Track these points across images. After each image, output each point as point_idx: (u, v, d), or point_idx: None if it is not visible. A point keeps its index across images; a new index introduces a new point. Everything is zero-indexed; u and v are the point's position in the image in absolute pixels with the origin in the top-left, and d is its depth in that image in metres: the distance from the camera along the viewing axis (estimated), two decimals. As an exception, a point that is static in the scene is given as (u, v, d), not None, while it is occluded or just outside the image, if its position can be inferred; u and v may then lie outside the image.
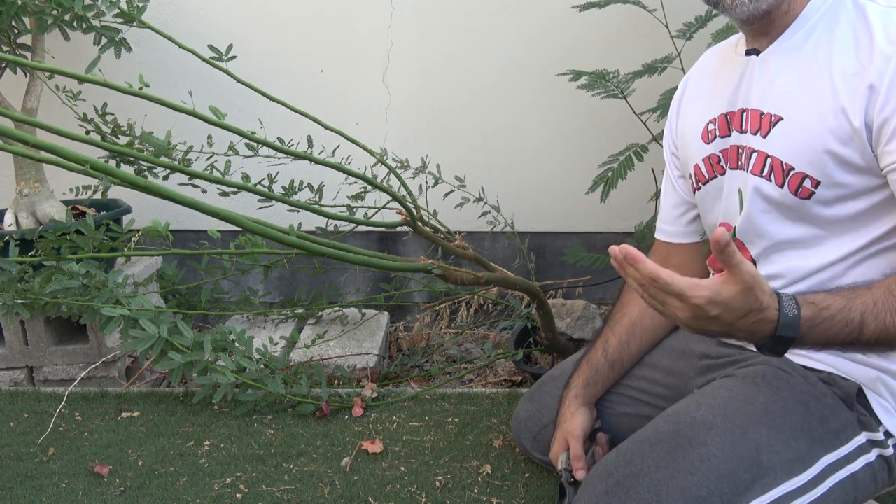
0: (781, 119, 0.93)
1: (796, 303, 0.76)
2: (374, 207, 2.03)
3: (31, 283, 1.71)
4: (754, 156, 0.96)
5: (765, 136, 0.94)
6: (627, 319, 1.21)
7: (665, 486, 0.86)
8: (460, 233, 2.07)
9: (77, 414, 1.80)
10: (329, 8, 2.35)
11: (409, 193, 1.87)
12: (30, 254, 1.74)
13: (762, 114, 0.95)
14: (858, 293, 0.79)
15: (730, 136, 1.02)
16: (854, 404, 0.91)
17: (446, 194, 2.23)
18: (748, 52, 1.00)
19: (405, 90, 2.42)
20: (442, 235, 1.95)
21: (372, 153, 1.84)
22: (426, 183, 2.18)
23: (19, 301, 1.75)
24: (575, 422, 1.15)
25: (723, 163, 1.04)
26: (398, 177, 1.88)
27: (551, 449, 1.21)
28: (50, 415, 1.78)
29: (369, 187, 1.91)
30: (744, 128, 0.99)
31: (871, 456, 0.91)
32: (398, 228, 1.82)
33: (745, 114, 0.99)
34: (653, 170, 2.20)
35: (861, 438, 0.91)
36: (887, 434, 0.91)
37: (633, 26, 2.27)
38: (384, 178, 1.91)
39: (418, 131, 2.45)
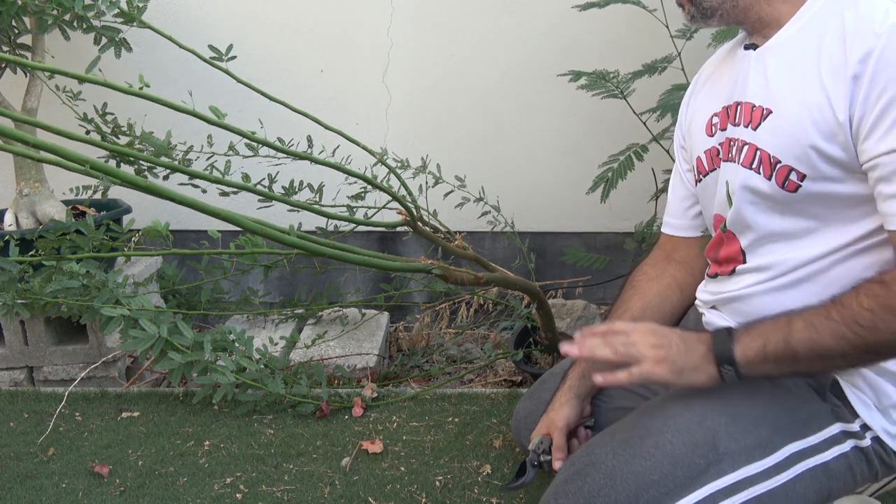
0: (771, 112, 0.93)
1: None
2: (374, 207, 2.03)
3: (31, 283, 1.71)
4: (745, 148, 0.97)
5: (755, 129, 0.95)
6: (629, 315, 1.21)
7: (619, 471, 0.88)
8: (460, 233, 2.07)
9: (77, 414, 1.80)
10: (329, 8, 2.35)
11: (409, 193, 1.87)
12: (30, 254, 1.74)
13: (753, 107, 0.96)
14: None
15: (727, 129, 1.03)
16: (827, 395, 0.92)
17: (446, 194, 2.23)
18: (747, 47, 1.01)
19: (405, 90, 2.42)
20: (442, 235, 1.95)
21: (372, 153, 1.84)
22: (426, 183, 2.18)
23: (19, 301, 1.75)
24: (561, 412, 1.15)
25: (720, 155, 1.05)
26: (398, 177, 1.88)
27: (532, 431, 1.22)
28: (50, 415, 1.78)
29: (369, 187, 1.91)
30: (737, 120, 1.00)
31: (845, 447, 0.91)
32: (398, 228, 1.82)
33: (739, 107, 1.00)
34: (653, 170, 2.20)
35: (834, 429, 0.91)
36: (865, 427, 0.91)
37: (633, 26, 2.27)
38: (384, 178, 1.91)
39: (418, 131, 2.45)
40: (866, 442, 0.91)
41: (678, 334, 0.92)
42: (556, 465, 1.11)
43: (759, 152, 0.94)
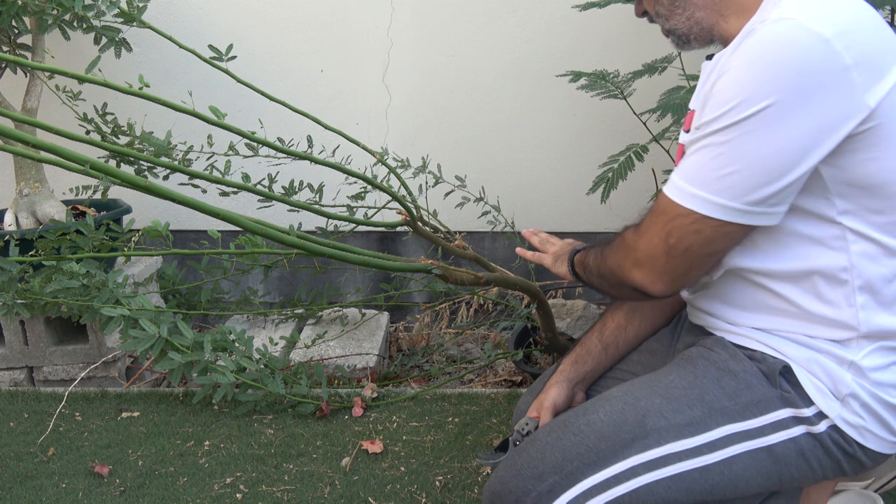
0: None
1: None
2: (374, 207, 2.03)
3: (31, 283, 1.71)
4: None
5: (687, 131, 1.01)
6: (628, 305, 1.22)
7: (550, 446, 0.95)
8: (460, 233, 2.07)
9: (77, 414, 1.80)
10: (329, 8, 2.35)
11: (409, 193, 1.87)
12: (30, 254, 1.74)
13: (693, 111, 1.02)
14: None
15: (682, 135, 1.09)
16: (776, 381, 0.93)
17: (446, 194, 2.23)
18: (708, 58, 1.05)
19: (405, 90, 2.42)
20: (442, 235, 1.95)
21: (372, 153, 1.84)
22: (426, 183, 2.18)
23: (19, 301, 1.75)
24: (549, 393, 1.17)
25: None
26: (398, 177, 1.88)
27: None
28: (50, 415, 1.78)
29: (369, 187, 1.91)
30: (686, 126, 1.05)
31: (793, 432, 0.92)
32: (398, 228, 1.82)
33: (690, 112, 1.05)
34: (653, 170, 2.20)
35: (782, 414, 0.92)
36: (820, 415, 0.92)
37: (633, 26, 2.27)
38: (384, 178, 1.91)
39: (418, 131, 2.45)
40: (820, 429, 0.92)
41: (567, 249, 1.20)
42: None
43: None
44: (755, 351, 0.96)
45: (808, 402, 0.92)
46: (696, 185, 0.86)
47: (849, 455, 0.93)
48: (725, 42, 0.99)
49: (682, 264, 0.89)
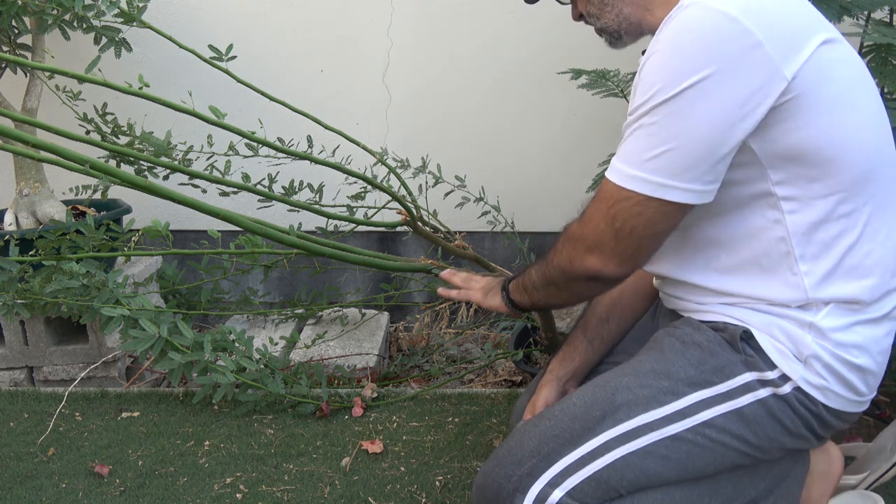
0: None
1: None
2: (374, 207, 2.03)
3: (31, 283, 1.71)
4: None
5: None
6: (608, 299, 1.25)
7: (528, 433, 0.99)
8: (460, 233, 2.07)
9: (77, 414, 1.80)
10: (329, 8, 2.35)
11: (409, 193, 1.87)
12: (30, 254, 1.73)
13: None
14: None
15: None
16: (738, 346, 0.95)
17: (446, 194, 2.23)
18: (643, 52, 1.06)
19: (405, 90, 2.42)
20: (442, 235, 1.95)
21: (372, 153, 1.84)
22: (426, 183, 2.18)
23: (19, 301, 1.75)
24: (541, 393, 1.20)
25: None
26: (398, 177, 1.88)
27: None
28: (50, 415, 1.78)
29: (369, 187, 1.91)
30: None
31: (760, 393, 0.94)
32: (398, 228, 1.82)
33: None
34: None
35: (746, 377, 0.95)
36: (784, 377, 0.94)
37: (633, 26, 2.27)
38: (384, 178, 1.91)
39: (418, 131, 2.45)
40: (786, 390, 0.93)
41: (498, 280, 1.21)
42: None
43: None
44: (718, 322, 0.99)
45: (772, 365, 0.94)
46: (633, 166, 0.89)
47: (815, 415, 0.95)
48: (654, 33, 1.01)
49: (631, 245, 0.92)
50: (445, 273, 1.33)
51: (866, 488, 1.21)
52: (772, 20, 0.83)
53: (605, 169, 2.08)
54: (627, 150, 0.90)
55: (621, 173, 0.90)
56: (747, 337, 0.96)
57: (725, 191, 0.91)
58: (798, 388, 0.93)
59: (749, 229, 0.94)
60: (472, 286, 1.26)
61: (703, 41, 0.83)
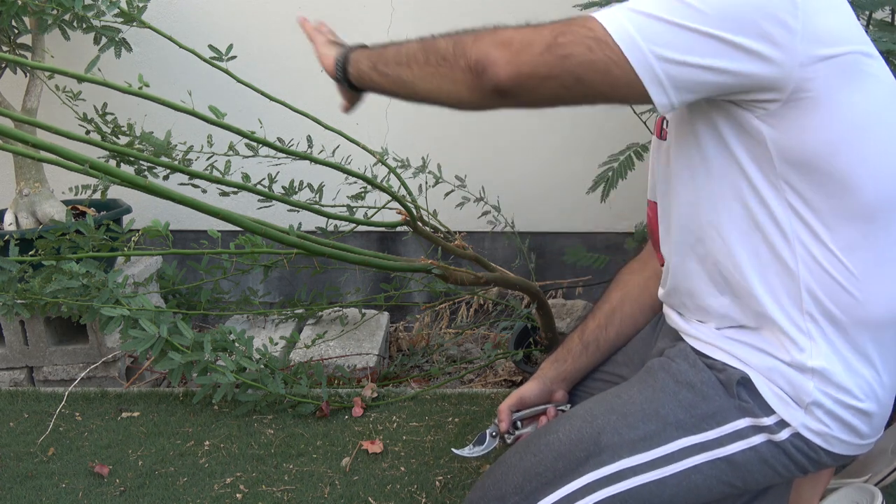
0: None
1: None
2: (374, 207, 2.03)
3: (31, 283, 1.71)
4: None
5: (659, 137, 1.04)
6: (608, 305, 1.23)
7: (513, 467, 0.98)
8: (460, 233, 2.07)
9: (77, 414, 1.80)
10: (329, 8, 2.35)
11: (409, 193, 1.87)
12: (30, 254, 1.73)
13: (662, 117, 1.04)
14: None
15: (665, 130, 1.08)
16: (733, 391, 0.92)
17: (447, 194, 2.23)
18: None
19: (405, 90, 2.41)
20: (442, 235, 1.95)
21: (372, 153, 1.84)
22: (426, 183, 2.17)
23: (19, 301, 1.75)
24: (525, 387, 1.20)
25: None
26: (398, 177, 1.88)
27: None
28: (50, 415, 1.78)
29: (369, 187, 1.91)
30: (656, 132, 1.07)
31: (753, 440, 0.92)
32: (398, 228, 1.82)
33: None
34: (653, 170, 2.19)
35: (740, 424, 0.92)
36: (782, 423, 0.91)
37: (633, 26, 2.27)
38: (384, 178, 1.91)
39: (418, 131, 2.45)
40: (782, 436, 0.91)
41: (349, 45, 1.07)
42: (502, 426, 1.18)
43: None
44: (716, 360, 0.96)
45: (769, 411, 0.91)
46: (624, 10, 0.80)
47: (812, 460, 0.92)
48: None
49: (547, 66, 0.82)
50: (302, 18, 1.20)
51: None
52: (819, 5, 0.79)
53: (606, 169, 2.08)
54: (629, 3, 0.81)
55: (611, 16, 0.80)
56: (745, 381, 0.93)
57: (739, 204, 0.87)
58: (796, 435, 0.90)
59: (758, 248, 0.89)
60: (323, 34, 1.16)
61: None
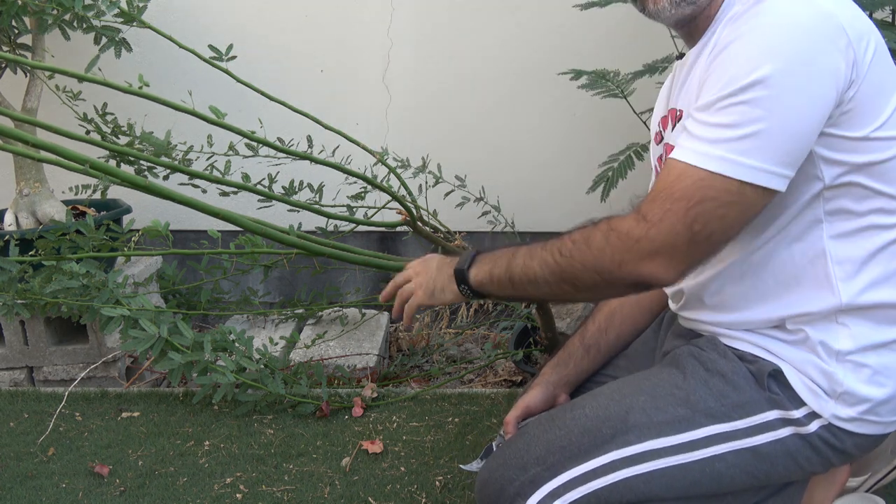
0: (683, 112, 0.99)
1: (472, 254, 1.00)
2: (374, 207, 2.03)
3: (31, 283, 1.71)
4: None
5: (672, 130, 1.01)
6: (607, 307, 1.23)
7: (537, 438, 0.98)
8: (460, 233, 2.07)
9: (77, 414, 1.80)
10: (329, 8, 2.35)
11: (409, 193, 1.87)
12: (30, 254, 1.74)
13: (677, 111, 1.01)
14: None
15: (665, 137, 1.08)
16: (764, 382, 0.93)
17: (447, 194, 2.23)
18: (678, 57, 1.05)
19: (405, 90, 2.42)
20: (442, 235, 1.95)
21: (372, 153, 1.84)
22: (426, 183, 2.18)
23: (19, 301, 1.75)
24: (528, 395, 1.19)
25: (663, 160, 1.09)
26: (398, 177, 1.88)
27: None
28: (50, 415, 1.78)
29: (369, 187, 1.91)
30: (671, 127, 1.04)
31: (781, 433, 0.92)
32: (398, 228, 1.82)
33: (670, 113, 1.04)
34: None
35: (769, 416, 0.93)
36: (812, 415, 0.92)
37: (633, 26, 2.27)
38: (384, 178, 1.91)
39: (418, 131, 2.45)
40: (810, 429, 0.92)
41: (438, 259, 1.06)
42: (508, 438, 1.16)
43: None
44: (746, 353, 0.96)
45: (799, 403, 0.92)
46: (717, 145, 0.80)
47: (838, 450, 0.93)
48: (699, 23, 0.98)
49: (703, 252, 0.84)
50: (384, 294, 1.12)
51: (867, 490, 1.20)
52: (853, 22, 0.82)
53: (606, 169, 2.08)
54: (706, 132, 0.82)
55: (704, 155, 0.81)
56: (776, 374, 0.93)
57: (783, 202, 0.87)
58: (825, 426, 0.91)
59: (794, 252, 0.91)
60: (409, 289, 1.07)
61: (805, 29, 0.80)
